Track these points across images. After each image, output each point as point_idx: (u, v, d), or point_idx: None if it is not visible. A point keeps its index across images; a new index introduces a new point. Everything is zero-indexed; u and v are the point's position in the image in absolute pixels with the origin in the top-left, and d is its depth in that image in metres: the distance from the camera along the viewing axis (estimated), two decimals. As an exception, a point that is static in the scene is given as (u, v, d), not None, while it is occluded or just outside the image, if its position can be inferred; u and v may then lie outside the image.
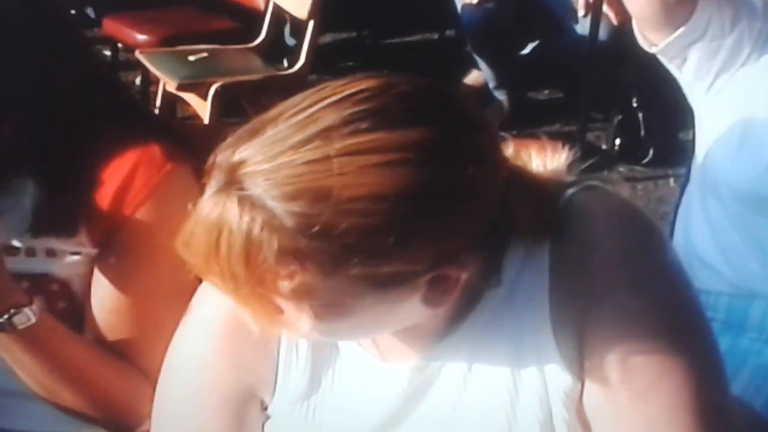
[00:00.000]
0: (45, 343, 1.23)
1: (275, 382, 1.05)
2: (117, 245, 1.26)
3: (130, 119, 1.31)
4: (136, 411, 1.26)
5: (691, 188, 1.68)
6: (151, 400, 1.12)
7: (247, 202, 0.84)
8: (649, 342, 0.95)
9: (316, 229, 0.83)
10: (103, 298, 1.28)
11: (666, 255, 1.01)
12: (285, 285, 0.86)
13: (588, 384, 0.97)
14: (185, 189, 1.23)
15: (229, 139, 0.89)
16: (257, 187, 0.84)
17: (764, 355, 1.55)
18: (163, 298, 1.24)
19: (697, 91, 1.61)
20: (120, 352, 1.28)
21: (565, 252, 0.98)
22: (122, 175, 1.25)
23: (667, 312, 0.97)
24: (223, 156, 0.88)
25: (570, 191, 1.00)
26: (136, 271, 1.27)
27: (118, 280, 1.27)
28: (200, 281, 1.05)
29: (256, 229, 0.84)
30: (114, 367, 1.28)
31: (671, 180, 3.56)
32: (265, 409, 1.06)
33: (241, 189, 0.84)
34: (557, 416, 0.98)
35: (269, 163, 0.84)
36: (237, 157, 0.86)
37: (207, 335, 1.06)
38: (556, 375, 0.97)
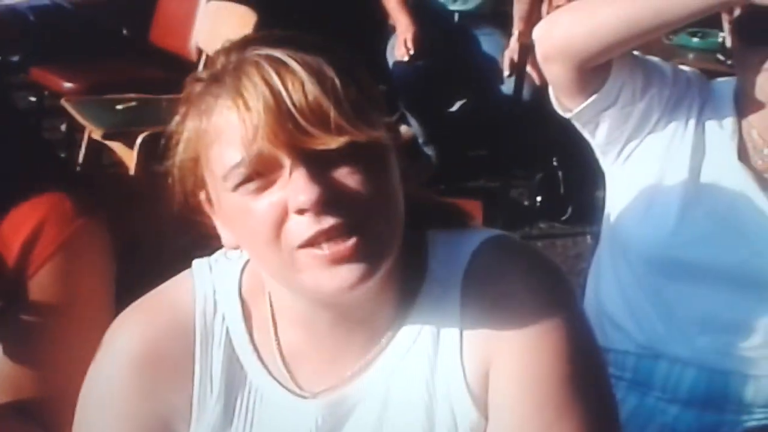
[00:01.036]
0: None
1: (190, 414, 1.06)
2: (23, 300, 1.24)
3: (43, 169, 1.30)
4: None
5: (602, 249, 1.73)
6: None
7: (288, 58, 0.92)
8: (549, 386, 1.00)
9: None
10: (9, 353, 1.25)
11: (573, 304, 1.06)
12: None
13: (492, 422, 1.02)
14: (96, 243, 1.23)
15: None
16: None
17: (668, 413, 1.59)
18: (71, 354, 1.23)
19: (609, 155, 1.66)
20: (24, 411, 1.25)
21: (478, 289, 1.03)
22: (29, 229, 1.23)
23: (566, 360, 1.01)
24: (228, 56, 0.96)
25: (484, 236, 1.06)
26: (42, 326, 1.25)
27: (24, 334, 1.25)
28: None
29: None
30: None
31: (588, 237, 3.64)
32: None
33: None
34: None
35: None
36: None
37: (120, 368, 1.06)
38: (465, 411, 1.02)
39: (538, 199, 3.82)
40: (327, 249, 0.92)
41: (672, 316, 1.59)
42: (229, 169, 0.94)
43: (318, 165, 0.92)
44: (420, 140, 4.09)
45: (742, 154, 1.58)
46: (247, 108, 0.91)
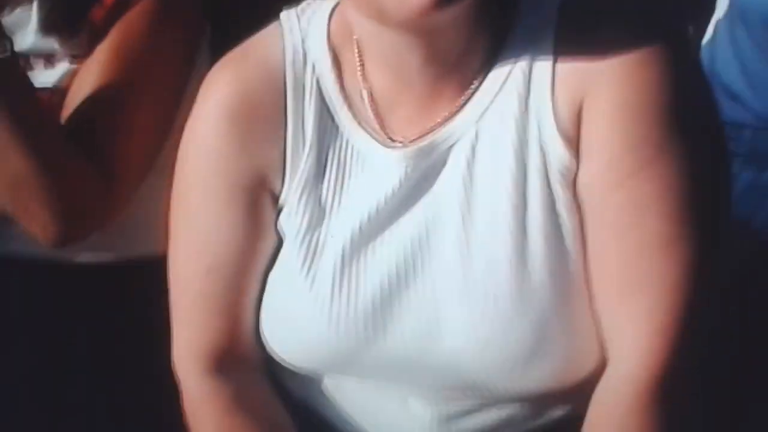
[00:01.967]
0: (10, 88, 1.21)
1: (284, 168, 1.06)
2: (110, 42, 1.27)
3: None
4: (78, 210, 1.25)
5: (719, 22, 1.65)
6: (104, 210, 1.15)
7: None
8: (647, 121, 0.94)
9: None
10: (86, 92, 1.27)
11: (679, 37, 0.99)
12: None
13: (582, 162, 0.97)
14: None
15: None
16: None
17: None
18: (147, 102, 1.26)
19: None
20: (89, 149, 1.25)
21: (572, 26, 0.98)
22: None
23: (666, 95, 0.95)
24: None
25: None
26: (123, 68, 1.27)
27: (103, 74, 1.27)
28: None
29: None
30: (75, 158, 1.24)
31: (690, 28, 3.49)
32: (276, 201, 1.07)
33: None
34: (558, 198, 0.98)
35: None
36: None
37: (215, 122, 1.06)
38: (555, 151, 0.98)
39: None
40: None
41: None
42: None
43: None
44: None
45: None
46: None
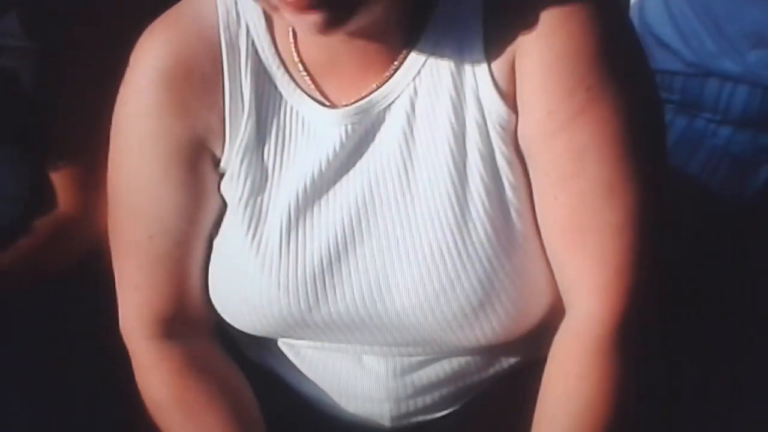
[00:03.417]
0: None
1: (224, 132, 1.05)
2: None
3: None
4: None
5: None
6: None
7: None
8: (577, 70, 0.95)
9: None
10: None
11: None
12: None
13: (521, 116, 0.98)
14: None
15: None
16: None
17: (720, 135, 1.56)
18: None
19: None
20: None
21: None
22: None
23: (596, 40, 0.96)
24: None
25: None
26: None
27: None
28: None
29: None
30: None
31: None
32: (218, 165, 1.06)
33: None
34: (497, 151, 0.99)
35: None
36: None
37: (149, 84, 1.04)
38: (492, 107, 0.98)
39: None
40: None
41: (721, 31, 1.52)
42: None
43: None
44: None
45: None
46: None
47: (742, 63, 1.52)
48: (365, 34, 0.98)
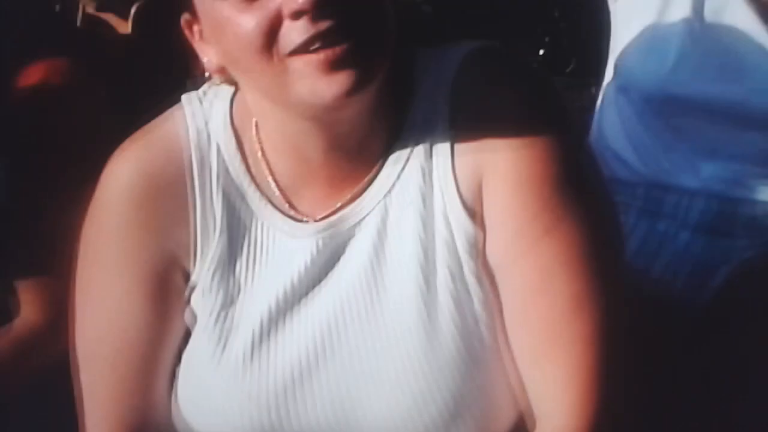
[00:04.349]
0: None
1: (195, 249, 1.06)
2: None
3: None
4: None
5: (607, 86, 1.72)
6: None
7: None
8: (541, 194, 0.99)
9: None
10: None
11: (563, 111, 1.05)
12: None
13: (488, 234, 1.02)
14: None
15: None
16: None
17: (680, 239, 1.60)
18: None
19: None
20: None
21: (465, 107, 1.03)
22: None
23: (558, 165, 1.00)
24: None
25: (469, 48, 1.05)
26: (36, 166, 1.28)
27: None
28: None
29: None
30: None
31: (592, 89, 3.61)
32: (188, 280, 1.07)
33: None
34: (466, 267, 1.02)
35: None
36: None
37: (119, 203, 1.06)
38: (460, 225, 1.01)
39: (541, 52, 3.78)
40: (323, 52, 0.92)
41: (675, 148, 1.59)
42: None
43: None
44: None
45: None
46: None
47: (697, 177, 1.58)
48: (343, 148, 1.02)
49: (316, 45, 0.92)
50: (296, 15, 0.91)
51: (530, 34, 3.86)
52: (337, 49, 0.92)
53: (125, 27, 3.33)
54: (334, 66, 0.92)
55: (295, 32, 0.92)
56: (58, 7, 3.83)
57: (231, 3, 0.94)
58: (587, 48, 3.72)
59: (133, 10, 3.37)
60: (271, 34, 0.93)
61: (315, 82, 0.93)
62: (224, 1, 0.94)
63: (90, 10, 3.47)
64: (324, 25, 0.92)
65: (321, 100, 0.94)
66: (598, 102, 1.75)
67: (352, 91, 0.93)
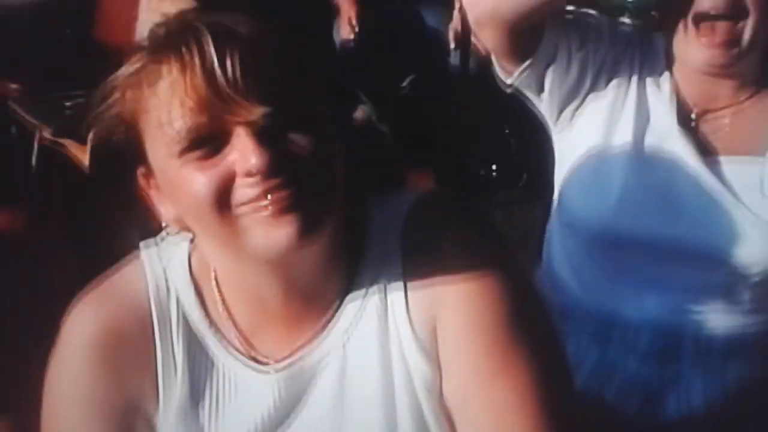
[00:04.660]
0: None
1: (157, 395, 1.08)
2: None
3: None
4: None
5: (552, 217, 1.75)
6: None
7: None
8: (492, 337, 1.04)
9: None
10: None
11: (507, 253, 1.10)
12: None
13: (444, 375, 1.05)
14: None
15: None
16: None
17: (629, 367, 1.62)
18: None
19: (554, 119, 1.68)
20: None
21: (415, 254, 1.07)
22: None
23: (507, 307, 1.05)
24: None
25: (417, 196, 1.10)
26: None
27: None
28: None
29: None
30: None
31: (545, 201, 3.67)
32: (152, 426, 1.09)
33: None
34: (425, 407, 1.05)
35: None
36: None
37: (81, 355, 1.08)
38: (417, 366, 1.05)
39: (494, 167, 3.86)
40: (269, 200, 0.96)
41: (619, 281, 1.61)
42: (173, 136, 0.97)
43: (264, 130, 0.96)
44: (373, 117, 4.10)
45: (682, 118, 1.59)
46: (192, 76, 0.95)
47: (641, 309, 1.61)
48: (300, 293, 1.06)
49: (267, 198, 0.97)
50: (249, 174, 0.96)
51: (482, 151, 3.94)
52: (284, 193, 0.96)
53: (84, 154, 3.37)
54: (283, 211, 0.97)
55: (248, 188, 0.97)
56: (14, 129, 3.89)
57: (185, 162, 0.98)
58: (538, 162, 3.83)
59: (91, 135, 3.43)
60: (224, 191, 0.97)
61: (267, 229, 0.97)
62: (178, 160, 0.98)
63: (47, 134, 3.53)
64: (274, 182, 0.96)
65: (275, 245, 0.98)
66: (546, 233, 1.77)
67: (303, 232, 0.97)
